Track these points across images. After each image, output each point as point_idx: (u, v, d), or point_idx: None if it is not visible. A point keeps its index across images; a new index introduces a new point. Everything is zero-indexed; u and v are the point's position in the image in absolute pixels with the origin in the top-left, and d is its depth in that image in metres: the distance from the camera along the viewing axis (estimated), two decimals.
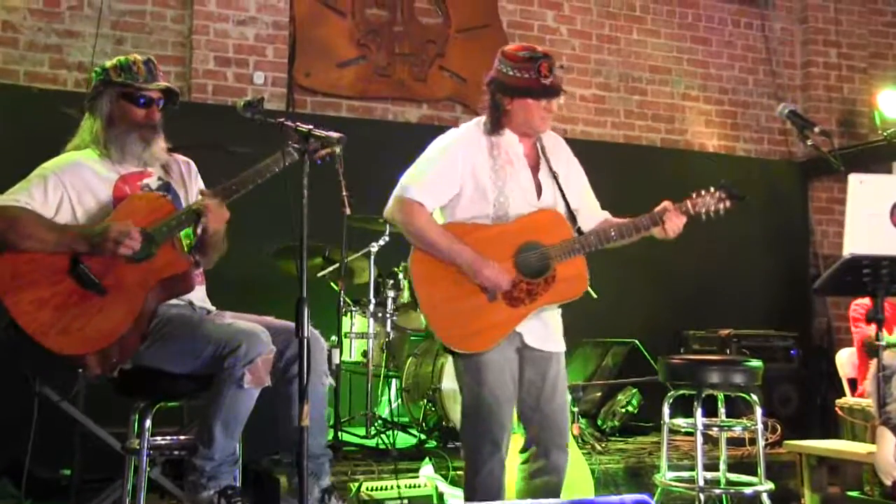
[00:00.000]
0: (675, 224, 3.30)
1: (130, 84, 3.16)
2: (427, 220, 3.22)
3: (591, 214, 3.45)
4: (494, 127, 3.28)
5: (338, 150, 2.91)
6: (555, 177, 3.34)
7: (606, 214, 3.51)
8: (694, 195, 3.35)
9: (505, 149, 3.28)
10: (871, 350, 4.24)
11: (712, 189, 3.35)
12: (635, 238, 3.37)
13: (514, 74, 3.21)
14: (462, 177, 3.24)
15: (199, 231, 3.23)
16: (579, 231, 3.32)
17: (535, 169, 3.34)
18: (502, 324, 3.18)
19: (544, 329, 3.31)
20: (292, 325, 2.74)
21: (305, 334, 2.72)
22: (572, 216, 3.34)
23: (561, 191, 3.33)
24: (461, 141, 3.29)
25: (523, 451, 3.38)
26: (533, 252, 3.21)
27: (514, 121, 3.27)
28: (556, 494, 3.36)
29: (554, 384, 3.33)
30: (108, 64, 3.20)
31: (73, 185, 3.11)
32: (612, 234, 3.30)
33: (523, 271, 3.20)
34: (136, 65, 3.17)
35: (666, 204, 3.34)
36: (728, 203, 3.35)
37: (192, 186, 3.36)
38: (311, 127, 2.87)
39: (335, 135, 2.88)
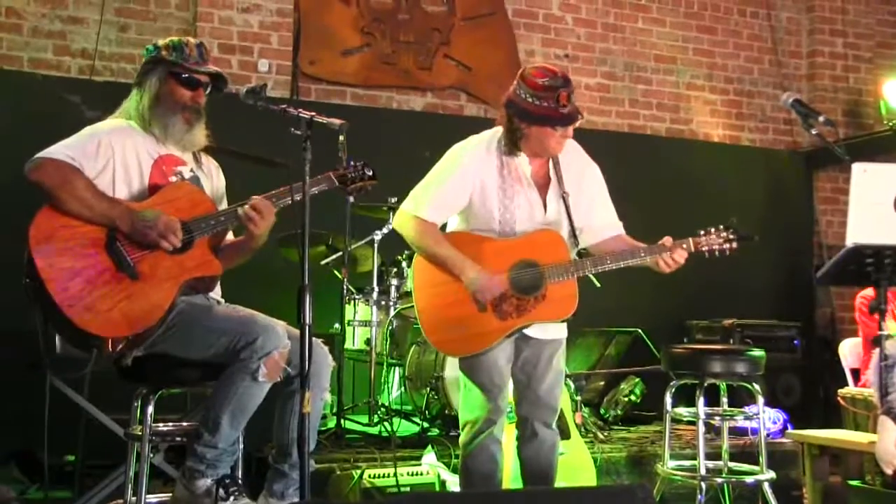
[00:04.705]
0: (673, 261, 3.28)
1: (181, 64, 3.11)
2: (430, 233, 3.31)
3: (602, 228, 3.45)
4: (510, 149, 3.32)
5: (341, 137, 2.90)
6: (563, 196, 3.36)
7: (619, 229, 3.50)
8: (701, 233, 3.34)
9: (515, 168, 3.34)
10: (876, 341, 4.24)
11: (721, 227, 3.35)
12: (632, 265, 3.36)
13: (532, 102, 3.21)
14: (471, 194, 3.32)
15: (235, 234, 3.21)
16: (579, 254, 3.37)
17: (543, 188, 3.38)
18: (489, 334, 3.26)
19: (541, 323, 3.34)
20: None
21: (307, 321, 2.71)
22: (574, 236, 3.36)
23: (567, 211, 3.35)
24: (473, 157, 3.34)
25: (517, 428, 3.46)
26: (528, 270, 3.26)
27: (529, 145, 3.31)
28: (548, 471, 3.42)
29: (548, 364, 3.40)
30: (161, 42, 3.15)
31: (121, 152, 3.05)
32: (608, 260, 3.31)
33: (515, 286, 3.25)
34: (189, 46, 3.13)
35: (667, 239, 3.32)
36: (735, 245, 3.33)
37: (216, 188, 3.31)
38: (313, 114, 2.86)
39: (337, 121, 2.87)
